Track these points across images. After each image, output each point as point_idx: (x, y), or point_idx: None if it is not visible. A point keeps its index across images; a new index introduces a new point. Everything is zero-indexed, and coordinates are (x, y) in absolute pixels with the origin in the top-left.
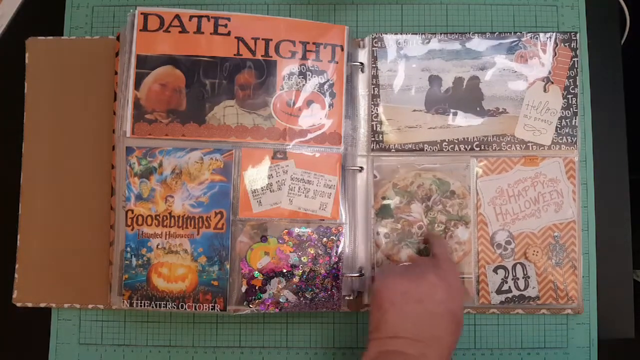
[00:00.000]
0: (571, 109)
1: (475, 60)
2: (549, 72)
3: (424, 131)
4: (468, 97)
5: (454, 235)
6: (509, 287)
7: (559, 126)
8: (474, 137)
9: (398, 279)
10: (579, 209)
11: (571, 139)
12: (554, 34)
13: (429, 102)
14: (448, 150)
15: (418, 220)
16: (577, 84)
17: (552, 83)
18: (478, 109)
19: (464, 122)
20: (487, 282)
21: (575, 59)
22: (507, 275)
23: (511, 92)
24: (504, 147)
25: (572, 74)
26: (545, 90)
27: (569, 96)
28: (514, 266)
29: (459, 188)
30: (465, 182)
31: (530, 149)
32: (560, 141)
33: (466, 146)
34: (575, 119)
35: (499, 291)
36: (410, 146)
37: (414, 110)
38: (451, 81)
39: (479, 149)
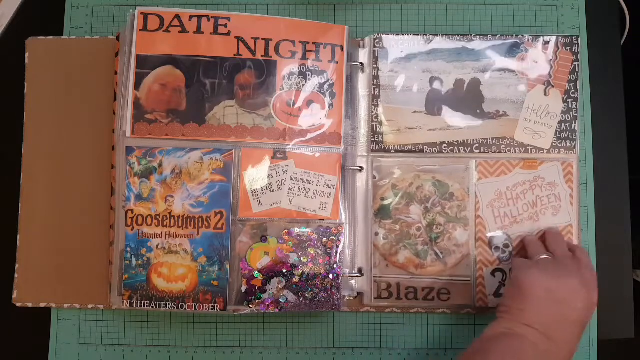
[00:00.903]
0: (571, 113)
1: (476, 62)
2: (550, 76)
3: (423, 133)
4: (469, 99)
5: (452, 238)
6: None
7: (559, 130)
8: (473, 140)
9: (545, 274)
10: (577, 213)
11: (570, 143)
12: (556, 37)
13: (429, 103)
14: (448, 152)
15: (417, 222)
16: (578, 88)
17: (553, 87)
18: (478, 111)
19: (464, 124)
20: (484, 285)
21: (577, 63)
22: (504, 278)
23: (512, 95)
24: (504, 150)
25: (573, 78)
26: (545, 94)
27: (569, 100)
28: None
29: (458, 190)
30: (464, 185)
31: (530, 152)
32: (560, 145)
33: (466, 148)
34: (575, 123)
35: (496, 294)
36: (409, 147)
37: (415, 112)
38: (452, 83)
39: (478, 151)
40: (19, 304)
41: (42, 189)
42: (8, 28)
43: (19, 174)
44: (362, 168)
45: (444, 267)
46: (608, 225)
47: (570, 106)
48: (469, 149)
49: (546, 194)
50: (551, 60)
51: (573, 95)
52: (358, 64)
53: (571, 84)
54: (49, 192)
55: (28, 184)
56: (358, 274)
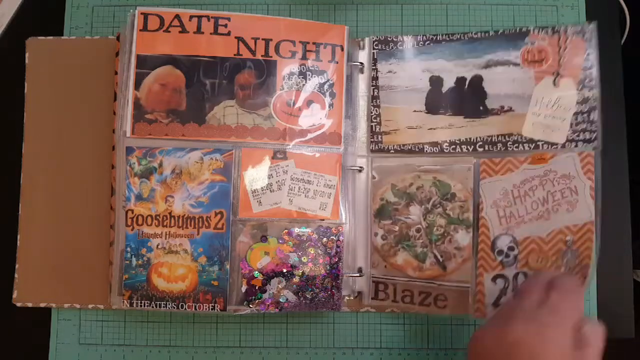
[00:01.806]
0: (588, 102)
1: (477, 59)
2: (560, 66)
3: (424, 132)
4: (470, 96)
5: (453, 240)
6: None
7: (574, 122)
8: (477, 138)
9: (508, 326)
10: (598, 209)
11: (589, 135)
12: (564, 26)
13: (429, 102)
14: (449, 151)
15: (416, 223)
16: (594, 77)
17: (563, 77)
18: (481, 108)
19: (465, 122)
20: (484, 293)
21: (590, 50)
22: (506, 285)
23: (517, 89)
24: (510, 147)
25: (588, 65)
26: (555, 85)
27: (585, 89)
28: (516, 275)
29: (460, 190)
30: (467, 184)
31: (541, 147)
32: (577, 138)
33: (468, 147)
34: (594, 113)
35: (496, 304)
36: (409, 147)
37: (415, 111)
38: (453, 81)
39: (482, 149)
40: (19, 304)
41: (42, 189)
42: (8, 28)
43: (19, 174)
44: (362, 168)
45: (443, 271)
46: (608, 225)
47: (586, 96)
48: (472, 147)
49: (559, 188)
50: (560, 49)
51: (589, 84)
52: (358, 64)
53: (587, 72)
54: (49, 192)
55: (28, 184)
56: (358, 274)
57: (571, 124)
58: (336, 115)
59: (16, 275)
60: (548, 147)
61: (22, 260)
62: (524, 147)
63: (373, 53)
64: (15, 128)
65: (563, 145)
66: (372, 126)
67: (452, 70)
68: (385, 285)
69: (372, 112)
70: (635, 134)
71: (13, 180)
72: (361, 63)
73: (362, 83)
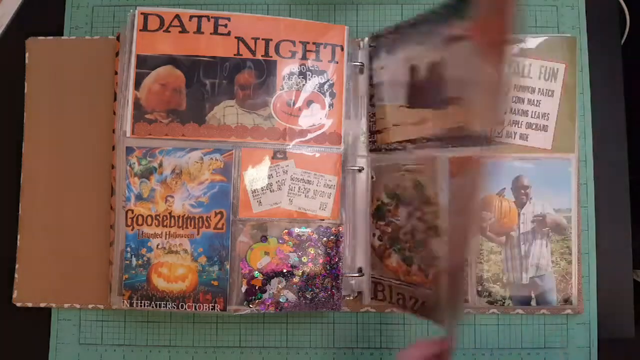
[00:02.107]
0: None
1: (441, 35)
2: (503, 31)
3: (407, 128)
4: (435, 83)
5: (431, 248)
6: None
7: (507, 109)
8: (443, 132)
9: None
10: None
11: (501, 127)
12: None
13: (409, 95)
14: (425, 148)
15: (404, 225)
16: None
17: (505, 45)
18: (442, 96)
19: (432, 115)
20: None
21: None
22: None
23: (470, 71)
24: (466, 143)
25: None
26: (500, 60)
27: (521, 60)
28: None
29: (433, 194)
30: (436, 187)
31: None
32: (508, 131)
33: (438, 143)
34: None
35: None
36: (394, 145)
37: (400, 107)
38: (426, 68)
39: (450, 145)
40: (19, 304)
41: (42, 189)
42: (8, 28)
43: (19, 174)
44: (362, 168)
45: (426, 279)
46: (608, 225)
47: (520, 69)
48: (440, 143)
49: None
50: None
51: (525, 53)
52: (358, 64)
53: (528, 38)
54: (49, 192)
55: (28, 184)
56: (358, 274)
57: (505, 112)
58: (336, 115)
59: (16, 275)
60: (485, 144)
61: (22, 260)
62: (469, 143)
63: (369, 51)
64: (15, 128)
65: (494, 142)
66: (369, 125)
67: (427, 55)
68: (383, 286)
69: (369, 111)
70: (635, 134)
71: (13, 180)
72: (361, 63)
73: (362, 83)
